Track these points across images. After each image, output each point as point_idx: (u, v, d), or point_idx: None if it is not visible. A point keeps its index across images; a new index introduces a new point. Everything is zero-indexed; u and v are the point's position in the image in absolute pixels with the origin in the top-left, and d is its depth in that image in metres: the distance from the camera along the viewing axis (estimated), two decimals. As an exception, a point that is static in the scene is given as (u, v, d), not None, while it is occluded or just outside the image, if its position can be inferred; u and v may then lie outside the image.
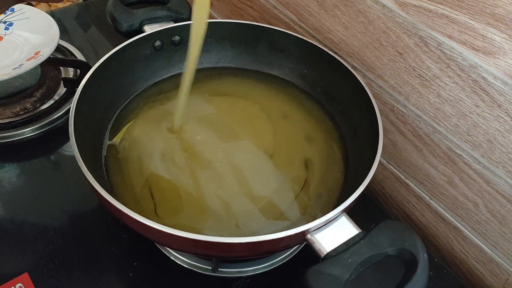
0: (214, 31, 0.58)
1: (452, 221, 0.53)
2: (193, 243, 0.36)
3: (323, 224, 0.38)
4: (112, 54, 0.52)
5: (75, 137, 0.42)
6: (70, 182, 0.56)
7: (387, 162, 0.58)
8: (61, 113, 0.62)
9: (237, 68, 0.61)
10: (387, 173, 0.59)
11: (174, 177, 0.48)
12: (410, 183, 0.57)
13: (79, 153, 0.40)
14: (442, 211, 0.54)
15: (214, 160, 0.50)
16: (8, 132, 0.59)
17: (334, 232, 0.38)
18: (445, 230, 0.55)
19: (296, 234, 0.37)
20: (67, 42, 0.73)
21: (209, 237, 0.36)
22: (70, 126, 0.43)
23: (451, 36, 0.44)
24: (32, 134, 0.60)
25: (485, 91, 0.43)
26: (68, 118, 0.44)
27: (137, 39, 0.55)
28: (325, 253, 0.37)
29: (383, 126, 0.46)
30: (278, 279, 0.49)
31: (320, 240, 0.38)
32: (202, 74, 0.60)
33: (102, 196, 0.38)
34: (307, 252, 0.39)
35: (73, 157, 0.40)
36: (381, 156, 0.44)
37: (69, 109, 0.47)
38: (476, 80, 0.44)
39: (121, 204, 0.37)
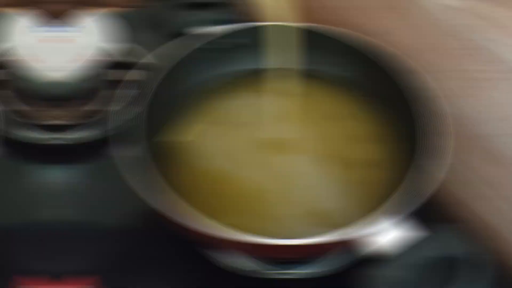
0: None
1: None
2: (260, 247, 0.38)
3: (386, 227, 0.38)
4: (180, 56, 0.54)
5: (136, 140, 0.44)
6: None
7: (451, 165, 0.57)
8: (124, 116, 0.63)
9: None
10: (451, 175, 0.57)
11: (234, 177, 0.49)
12: (475, 186, 0.55)
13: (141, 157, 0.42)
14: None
15: (271, 161, 0.51)
16: (72, 134, 0.60)
17: (397, 235, 0.38)
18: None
19: (357, 237, 0.38)
20: (130, 45, 0.71)
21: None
22: (132, 129, 0.45)
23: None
24: (94, 136, 0.60)
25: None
26: (130, 121, 0.45)
27: (201, 40, 0.56)
28: (388, 256, 0.37)
29: (441, 129, 0.46)
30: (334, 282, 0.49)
31: (382, 243, 0.38)
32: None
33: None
34: (369, 256, 0.39)
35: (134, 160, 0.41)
36: (444, 159, 0.44)
37: (131, 112, 0.48)
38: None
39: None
